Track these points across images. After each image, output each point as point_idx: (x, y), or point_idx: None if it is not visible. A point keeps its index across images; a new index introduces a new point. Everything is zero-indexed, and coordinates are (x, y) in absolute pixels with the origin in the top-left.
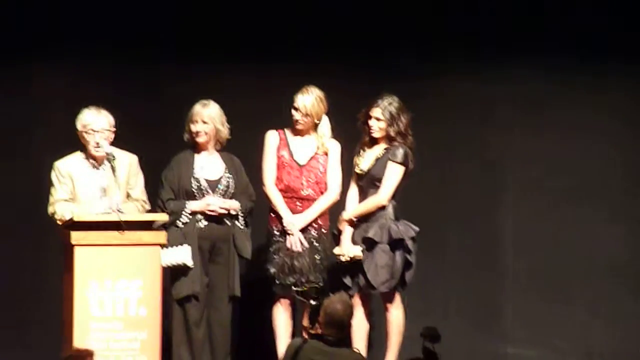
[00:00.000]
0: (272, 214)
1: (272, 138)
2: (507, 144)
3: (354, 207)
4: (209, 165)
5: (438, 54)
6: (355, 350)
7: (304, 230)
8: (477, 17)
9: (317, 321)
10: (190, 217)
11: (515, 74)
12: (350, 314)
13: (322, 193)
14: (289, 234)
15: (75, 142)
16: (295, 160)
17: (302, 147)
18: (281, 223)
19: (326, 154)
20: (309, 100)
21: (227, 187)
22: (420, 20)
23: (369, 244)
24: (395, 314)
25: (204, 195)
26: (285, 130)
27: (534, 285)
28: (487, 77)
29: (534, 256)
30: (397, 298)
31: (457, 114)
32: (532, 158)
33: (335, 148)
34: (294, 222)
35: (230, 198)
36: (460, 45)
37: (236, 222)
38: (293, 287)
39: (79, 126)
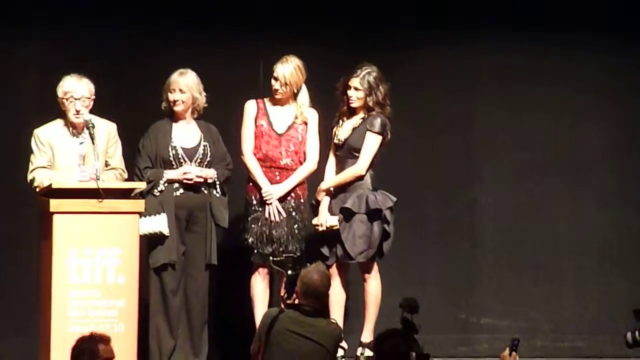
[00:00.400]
0: (250, 183)
1: (250, 107)
2: (486, 116)
3: (332, 177)
4: (186, 134)
5: (418, 24)
6: (332, 320)
7: (282, 200)
8: None
9: (293, 291)
10: (167, 185)
11: (494, 45)
12: (327, 284)
13: (300, 163)
14: (267, 204)
15: (50, 109)
16: (274, 130)
17: (281, 117)
18: (259, 192)
19: (305, 123)
20: (288, 69)
21: (204, 155)
22: None
23: (347, 214)
24: (373, 284)
25: (181, 164)
26: (265, 99)
27: (508, 257)
28: (467, 48)
29: (508, 228)
30: (375, 268)
31: (435, 85)
32: (510, 131)
33: (313, 117)
34: (272, 191)
35: (207, 167)
36: (440, 15)
37: (213, 190)
38: (270, 257)
39: (59, 93)
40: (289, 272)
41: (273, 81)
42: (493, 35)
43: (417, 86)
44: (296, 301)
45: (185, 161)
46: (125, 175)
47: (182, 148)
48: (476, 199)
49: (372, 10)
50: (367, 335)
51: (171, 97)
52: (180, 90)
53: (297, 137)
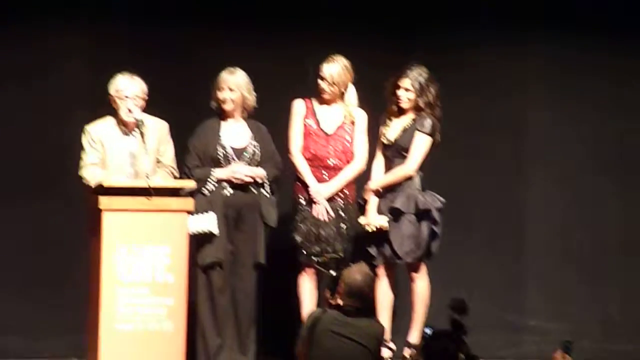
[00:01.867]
0: (298, 182)
1: (299, 106)
2: (535, 117)
3: (379, 176)
4: (235, 133)
5: (467, 25)
6: (375, 320)
7: (330, 199)
8: None
9: (337, 291)
10: (216, 184)
11: (543, 46)
12: (370, 284)
13: (348, 162)
14: (315, 203)
15: (101, 105)
16: (322, 129)
17: (329, 116)
18: (307, 192)
19: (353, 123)
20: (335, 69)
21: (253, 154)
22: None
23: (396, 214)
24: (421, 284)
25: (230, 163)
26: (312, 99)
27: (556, 258)
28: (517, 50)
29: (556, 229)
30: (423, 269)
31: (484, 86)
32: (559, 132)
33: (362, 117)
34: (320, 190)
35: (257, 166)
36: (489, 15)
37: (262, 190)
38: (313, 257)
39: (111, 91)
40: (332, 272)
41: (320, 81)
42: (542, 35)
43: (464, 87)
44: (339, 301)
45: (234, 160)
46: (176, 174)
47: (232, 147)
48: (524, 200)
49: (420, 10)
50: (414, 336)
51: (220, 95)
52: (230, 89)
53: (345, 137)
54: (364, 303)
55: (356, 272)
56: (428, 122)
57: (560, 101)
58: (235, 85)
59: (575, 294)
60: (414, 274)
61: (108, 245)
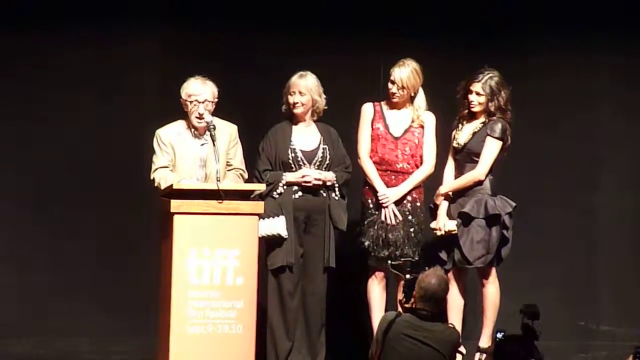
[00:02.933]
0: (366, 186)
1: (367, 110)
2: (605, 121)
3: (450, 181)
4: (305, 137)
5: (536, 31)
6: (450, 325)
7: (398, 203)
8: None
9: (411, 295)
10: (286, 188)
11: (613, 49)
12: (445, 288)
13: (417, 166)
14: (383, 207)
15: (172, 108)
16: (390, 133)
17: (398, 120)
18: (376, 195)
19: (421, 126)
20: (405, 72)
21: (323, 158)
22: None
23: (465, 219)
24: (491, 289)
25: (300, 167)
26: (382, 103)
27: (628, 263)
28: (585, 54)
29: (628, 234)
30: (493, 273)
31: (556, 91)
32: (630, 135)
33: (430, 120)
34: (388, 194)
35: (327, 169)
36: (556, 22)
37: (332, 193)
38: (388, 261)
39: (183, 95)
40: (407, 275)
41: (390, 84)
42: (610, 39)
43: (535, 91)
44: (414, 305)
45: (304, 164)
46: (246, 176)
47: (302, 151)
48: (596, 204)
49: (490, 17)
50: (485, 341)
51: (291, 99)
52: (300, 93)
53: (414, 141)
54: (439, 307)
55: (432, 276)
56: (498, 127)
57: (629, 105)
58: (305, 88)
59: None
60: (484, 279)
61: (179, 248)
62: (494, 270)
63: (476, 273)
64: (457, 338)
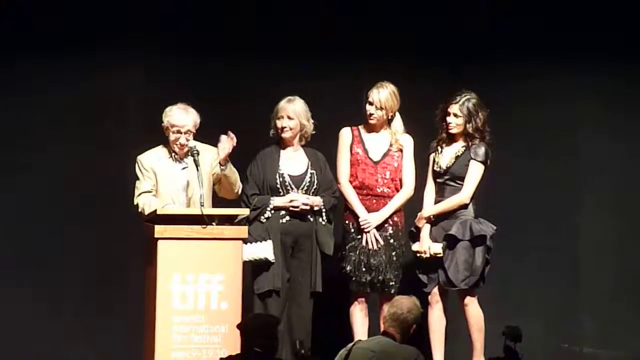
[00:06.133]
0: (347, 211)
1: (346, 135)
2: (588, 143)
3: (431, 204)
4: (293, 161)
5: (515, 56)
6: (408, 345)
7: (379, 227)
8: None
9: (382, 318)
10: (274, 212)
11: (593, 72)
12: (417, 314)
13: (397, 190)
14: (365, 232)
15: (155, 133)
16: (369, 157)
17: (376, 144)
18: (357, 220)
19: (400, 150)
20: (384, 94)
21: (311, 183)
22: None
23: (451, 241)
24: (473, 310)
25: (287, 191)
26: (359, 127)
27: (609, 285)
28: (567, 76)
29: (610, 256)
30: (474, 295)
31: (537, 113)
32: (613, 157)
33: (409, 144)
34: (369, 219)
35: (314, 194)
36: (534, 47)
37: (319, 218)
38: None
39: (165, 122)
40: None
41: (368, 106)
42: (592, 63)
43: (516, 114)
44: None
45: (292, 188)
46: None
47: (289, 175)
48: (578, 226)
49: (469, 44)
50: None
51: (279, 123)
52: (289, 117)
53: (393, 164)
54: (407, 331)
55: (406, 300)
56: (482, 150)
57: (616, 131)
58: (294, 113)
59: (630, 321)
60: (467, 300)
61: (163, 273)
62: (475, 292)
63: (457, 295)
64: (416, 355)
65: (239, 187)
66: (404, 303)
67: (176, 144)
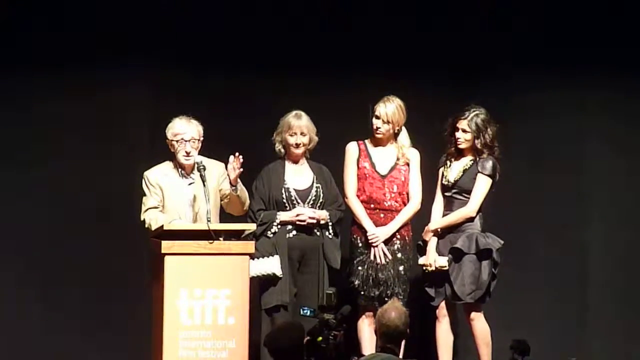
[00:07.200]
0: (355, 225)
1: (352, 149)
2: (595, 156)
3: (439, 217)
4: (299, 176)
5: (519, 69)
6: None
7: (387, 241)
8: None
9: (375, 333)
10: (280, 227)
11: (599, 84)
12: (405, 322)
13: (404, 203)
14: (373, 246)
15: (161, 148)
16: (376, 171)
17: (383, 158)
18: (364, 235)
19: (407, 164)
20: (390, 108)
21: (317, 197)
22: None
23: (457, 255)
24: (480, 325)
25: (294, 205)
26: (365, 141)
27: (616, 297)
28: (572, 88)
29: (617, 268)
30: (480, 309)
31: (543, 126)
32: (620, 170)
33: (415, 157)
34: (377, 234)
35: (320, 208)
36: (537, 60)
37: (325, 232)
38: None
39: (168, 135)
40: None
41: (375, 120)
42: (595, 75)
43: (523, 128)
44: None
45: (298, 203)
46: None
47: (295, 190)
48: (584, 239)
49: (473, 58)
50: None
51: (292, 140)
52: (302, 133)
53: (400, 178)
54: (400, 343)
55: (391, 311)
56: (489, 164)
57: (621, 142)
58: (306, 129)
59: (637, 335)
60: (473, 315)
61: (170, 288)
62: (481, 306)
63: (463, 309)
64: None
65: (247, 204)
66: (392, 318)
67: (182, 155)
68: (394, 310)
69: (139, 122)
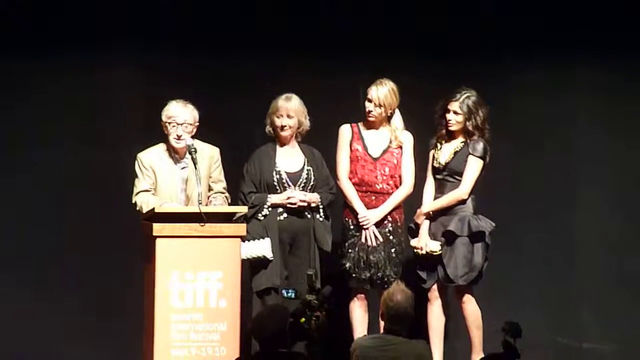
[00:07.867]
0: (346, 208)
1: (345, 132)
2: (586, 138)
3: (431, 200)
4: (289, 158)
5: (514, 51)
6: (417, 341)
7: (379, 224)
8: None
9: (380, 315)
10: (271, 210)
11: (593, 66)
12: (412, 303)
13: (396, 186)
14: (364, 229)
15: (155, 132)
16: (369, 154)
17: (376, 141)
18: (356, 217)
19: (400, 147)
20: (382, 91)
21: (308, 179)
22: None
23: (449, 237)
24: (471, 307)
25: (285, 188)
26: (359, 124)
27: (608, 279)
28: (564, 71)
29: (609, 250)
30: (471, 291)
31: (535, 108)
32: (611, 152)
33: (408, 141)
34: (369, 216)
35: (311, 191)
36: (538, 41)
37: (316, 214)
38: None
39: (163, 117)
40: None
41: (367, 103)
42: (590, 55)
43: (515, 110)
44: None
45: (289, 185)
46: (229, 199)
47: (286, 172)
48: (576, 221)
49: (467, 41)
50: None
51: (279, 122)
52: (289, 116)
53: (393, 161)
54: (408, 324)
55: (397, 293)
56: (480, 146)
57: (609, 123)
58: (293, 111)
59: (629, 315)
60: (464, 297)
61: (161, 271)
62: (472, 289)
63: (454, 291)
64: (425, 349)
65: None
66: (399, 300)
67: (173, 137)
68: (400, 292)
69: (131, 104)
